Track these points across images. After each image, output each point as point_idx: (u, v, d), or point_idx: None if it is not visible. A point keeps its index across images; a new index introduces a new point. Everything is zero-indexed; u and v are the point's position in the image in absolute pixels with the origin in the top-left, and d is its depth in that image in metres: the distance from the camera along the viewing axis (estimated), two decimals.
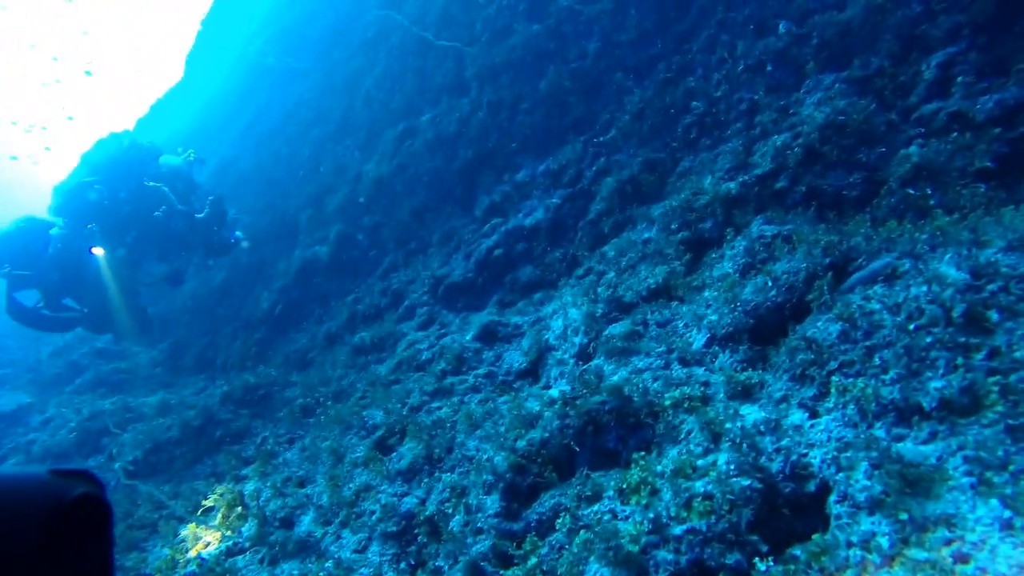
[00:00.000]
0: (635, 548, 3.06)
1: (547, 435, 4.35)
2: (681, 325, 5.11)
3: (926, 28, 5.82)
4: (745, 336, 4.40)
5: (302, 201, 13.36)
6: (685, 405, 3.94)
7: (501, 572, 3.68)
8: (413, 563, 4.37)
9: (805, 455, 3.15)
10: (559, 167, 8.76)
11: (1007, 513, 2.21)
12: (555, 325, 6.40)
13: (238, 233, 10.58)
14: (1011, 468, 2.37)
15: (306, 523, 5.31)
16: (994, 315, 2.98)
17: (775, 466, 3.17)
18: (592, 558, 3.17)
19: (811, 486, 3.02)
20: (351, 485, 5.34)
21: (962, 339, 2.98)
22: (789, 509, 3.00)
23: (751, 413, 3.64)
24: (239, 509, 5.70)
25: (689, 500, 3.12)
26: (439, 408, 6.07)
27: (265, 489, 5.98)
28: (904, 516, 2.46)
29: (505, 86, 9.96)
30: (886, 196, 5.08)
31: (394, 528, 4.64)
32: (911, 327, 3.18)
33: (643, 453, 3.72)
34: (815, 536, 2.71)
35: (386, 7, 13.36)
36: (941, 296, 3.19)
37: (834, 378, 3.37)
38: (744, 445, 3.27)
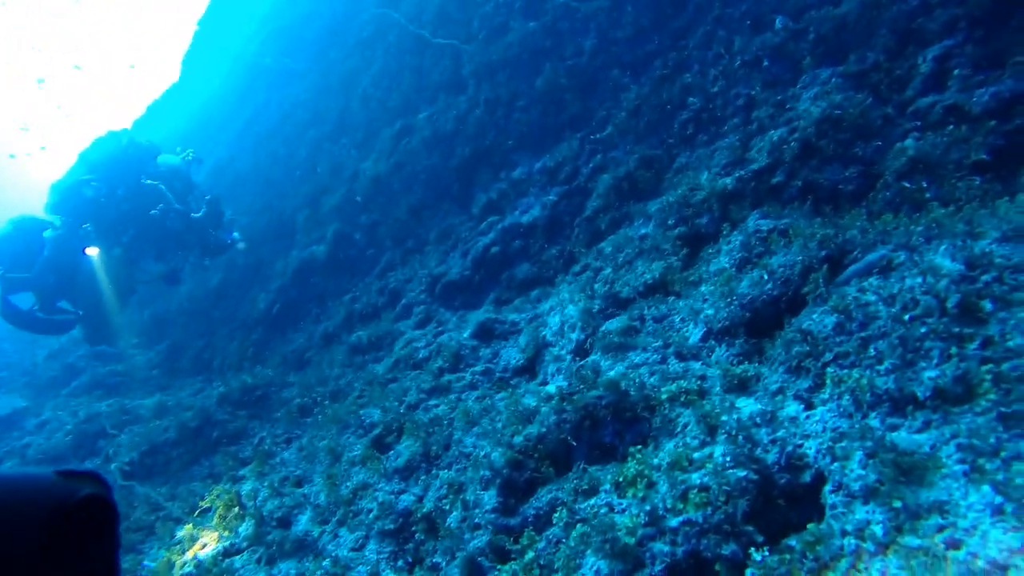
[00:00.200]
0: (631, 540, 3.05)
1: (544, 430, 4.35)
2: (678, 320, 5.10)
3: (922, 22, 5.83)
4: (741, 330, 4.39)
5: (299, 201, 13.34)
6: (681, 399, 3.94)
7: (498, 567, 3.67)
8: (411, 560, 4.37)
9: (800, 446, 3.15)
10: (556, 164, 8.75)
11: (998, 499, 2.21)
12: (552, 322, 6.39)
13: (235, 234, 10.55)
14: (1003, 455, 2.37)
15: (303, 522, 5.30)
16: (988, 305, 2.98)
17: (771, 457, 3.17)
18: (589, 551, 3.17)
19: (806, 476, 3.02)
20: (348, 484, 5.32)
21: (956, 329, 2.98)
22: (785, 500, 3.00)
23: (747, 405, 3.64)
24: (236, 509, 5.68)
25: (685, 492, 3.12)
26: (436, 406, 6.06)
27: (262, 489, 5.96)
28: (898, 504, 2.46)
29: (502, 83, 9.96)
30: (882, 189, 5.08)
31: (391, 526, 4.63)
32: (906, 318, 3.18)
33: (640, 447, 3.72)
34: (810, 526, 2.70)
35: (383, 5, 13.36)
36: (936, 287, 3.19)
37: (829, 369, 3.37)
38: (740, 437, 3.26)
